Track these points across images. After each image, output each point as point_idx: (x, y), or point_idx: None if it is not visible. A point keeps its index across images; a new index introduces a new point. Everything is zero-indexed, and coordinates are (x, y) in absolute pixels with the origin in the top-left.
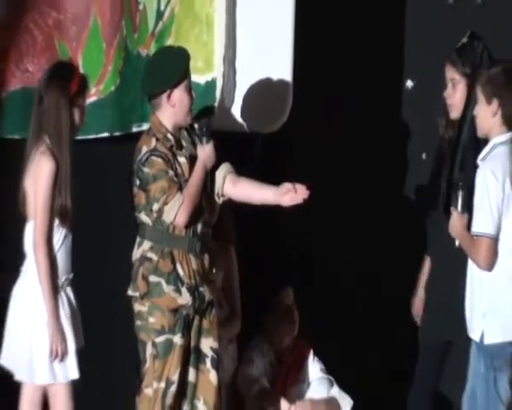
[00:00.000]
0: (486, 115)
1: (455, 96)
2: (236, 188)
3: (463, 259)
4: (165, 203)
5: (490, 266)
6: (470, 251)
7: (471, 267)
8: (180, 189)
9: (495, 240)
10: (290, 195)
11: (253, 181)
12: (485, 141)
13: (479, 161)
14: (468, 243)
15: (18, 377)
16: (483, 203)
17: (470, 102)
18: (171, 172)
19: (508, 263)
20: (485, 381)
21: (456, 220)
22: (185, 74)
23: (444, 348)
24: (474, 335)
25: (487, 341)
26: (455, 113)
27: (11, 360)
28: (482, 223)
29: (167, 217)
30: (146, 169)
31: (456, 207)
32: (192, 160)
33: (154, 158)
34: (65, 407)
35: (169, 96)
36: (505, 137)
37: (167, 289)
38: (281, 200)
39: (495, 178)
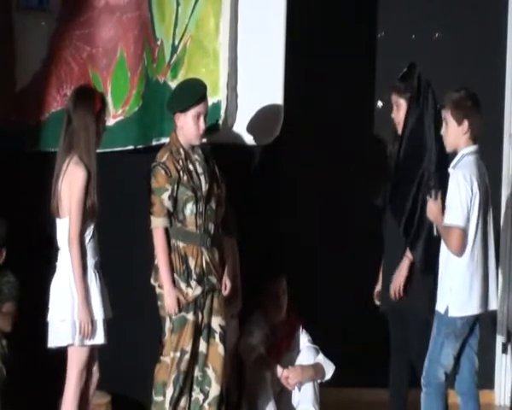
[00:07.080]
0: (458, 134)
1: (399, 115)
2: None
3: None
4: (151, 213)
5: (460, 252)
6: (444, 238)
7: (442, 250)
8: (175, 199)
9: (464, 230)
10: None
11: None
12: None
13: (450, 169)
14: (442, 228)
15: (65, 344)
16: (455, 200)
17: (409, 119)
18: (168, 188)
19: (468, 251)
20: (434, 343)
21: (431, 206)
22: (193, 104)
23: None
24: (440, 307)
25: (451, 314)
26: (400, 129)
27: (58, 340)
28: (454, 216)
29: (152, 223)
30: (152, 178)
31: (430, 197)
32: (205, 174)
33: (159, 169)
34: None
35: (178, 119)
36: (472, 148)
37: (181, 285)
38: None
39: (465, 180)
